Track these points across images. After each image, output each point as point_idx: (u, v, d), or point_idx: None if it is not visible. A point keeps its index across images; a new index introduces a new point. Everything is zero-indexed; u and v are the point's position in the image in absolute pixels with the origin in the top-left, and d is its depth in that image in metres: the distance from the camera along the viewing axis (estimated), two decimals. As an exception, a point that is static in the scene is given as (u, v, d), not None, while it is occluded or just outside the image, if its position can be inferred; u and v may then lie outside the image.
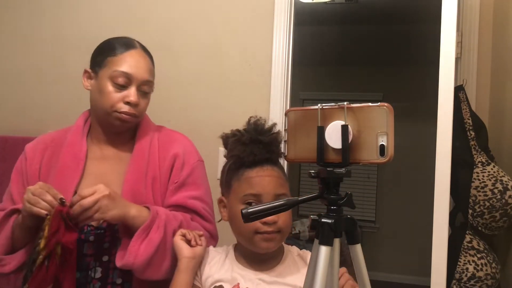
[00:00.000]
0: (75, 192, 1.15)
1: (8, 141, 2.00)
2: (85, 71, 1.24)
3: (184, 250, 1.07)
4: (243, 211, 0.80)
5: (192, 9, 1.98)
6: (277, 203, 0.82)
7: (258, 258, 1.07)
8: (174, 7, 2.00)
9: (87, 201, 1.01)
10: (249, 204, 1.04)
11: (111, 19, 2.05)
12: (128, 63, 1.17)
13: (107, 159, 1.24)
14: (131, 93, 1.16)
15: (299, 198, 0.84)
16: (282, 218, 1.03)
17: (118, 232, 1.13)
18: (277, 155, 1.07)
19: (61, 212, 1.01)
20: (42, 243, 1.00)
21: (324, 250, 0.76)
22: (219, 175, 1.36)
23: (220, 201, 1.14)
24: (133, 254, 1.06)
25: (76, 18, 2.09)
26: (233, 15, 1.93)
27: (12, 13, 2.16)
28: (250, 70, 1.90)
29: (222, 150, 1.63)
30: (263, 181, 1.04)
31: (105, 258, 1.15)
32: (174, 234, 1.12)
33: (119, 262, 1.07)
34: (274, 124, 1.09)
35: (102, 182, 1.17)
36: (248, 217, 0.80)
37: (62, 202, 1.01)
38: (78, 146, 1.23)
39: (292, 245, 1.17)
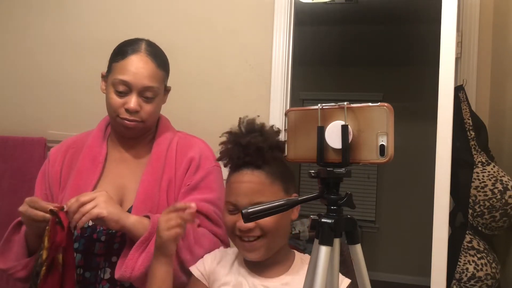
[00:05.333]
0: None
1: (8, 141, 2.01)
2: (102, 75, 1.25)
3: (160, 229, 0.99)
4: (243, 211, 0.80)
5: (192, 9, 1.98)
6: (277, 203, 0.81)
7: (263, 265, 1.04)
8: (174, 7, 2.00)
9: (84, 197, 1.03)
10: (231, 211, 1.02)
11: (111, 20, 2.05)
12: (127, 70, 1.16)
13: (125, 161, 1.26)
14: (130, 100, 1.16)
15: (299, 198, 0.84)
16: (262, 225, 0.97)
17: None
18: (258, 158, 0.99)
19: (56, 219, 1.01)
20: (44, 254, 1.01)
21: (324, 250, 0.76)
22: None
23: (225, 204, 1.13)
24: (130, 268, 1.05)
25: (77, 19, 2.09)
26: (233, 15, 1.93)
27: (12, 14, 2.15)
28: (250, 70, 1.90)
29: (222, 150, 1.61)
30: (238, 188, 1.00)
31: (114, 259, 1.14)
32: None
33: (117, 274, 1.07)
34: (262, 125, 1.02)
35: (119, 184, 1.20)
36: (248, 217, 0.80)
37: (52, 212, 1.02)
38: (97, 148, 1.25)
39: (304, 253, 1.14)
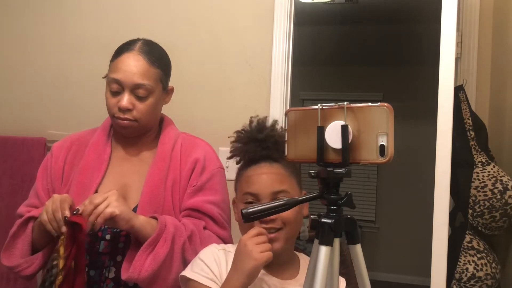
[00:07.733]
0: (96, 191, 1.17)
1: (8, 141, 2.00)
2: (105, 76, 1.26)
3: (254, 253, 0.91)
4: (243, 211, 0.80)
5: (192, 9, 1.98)
6: (277, 203, 0.82)
7: (275, 264, 1.00)
8: (174, 7, 2.00)
9: (97, 199, 1.03)
10: (249, 203, 1.01)
11: (111, 21, 2.05)
12: (118, 69, 1.16)
13: (129, 159, 1.26)
14: (123, 99, 1.16)
15: (299, 198, 0.84)
16: (284, 216, 0.96)
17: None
18: (275, 151, 1.03)
19: (71, 228, 1.01)
20: (60, 263, 1.00)
21: (324, 250, 0.76)
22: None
23: (233, 202, 1.12)
24: (137, 269, 1.05)
25: (77, 20, 2.08)
26: (233, 15, 1.93)
27: (12, 14, 2.15)
28: (250, 70, 1.90)
29: (222, 150, 1.62)
30: (259, 179, 1.02)
31: (119, 258, 1.14)
32: (183, 245, 1.11)
33: (124, 275, 1.06)
34: (275, 122, 1.08)
35: (122, 182, 1.20)
36: (248, 217, 0.80)
37: (66, 221, 1.01)
38: (102, 146, 1.25)
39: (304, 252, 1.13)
